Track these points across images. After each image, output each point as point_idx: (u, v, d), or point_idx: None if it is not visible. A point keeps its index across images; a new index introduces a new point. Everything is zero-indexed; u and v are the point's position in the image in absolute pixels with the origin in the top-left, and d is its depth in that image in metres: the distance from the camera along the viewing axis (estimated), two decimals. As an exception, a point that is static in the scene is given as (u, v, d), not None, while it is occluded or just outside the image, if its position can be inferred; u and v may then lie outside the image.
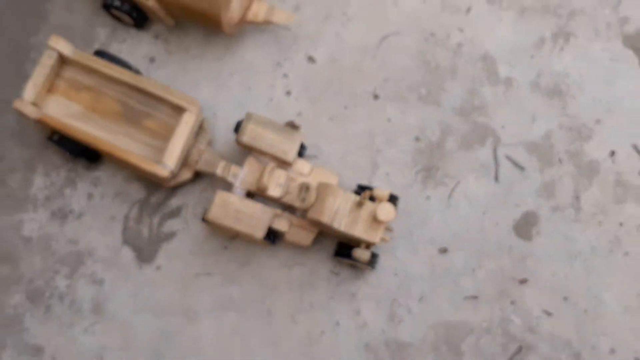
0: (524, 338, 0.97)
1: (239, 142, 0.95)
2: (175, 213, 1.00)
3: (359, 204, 0.90)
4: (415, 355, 0.96)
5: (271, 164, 0.94)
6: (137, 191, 1.01)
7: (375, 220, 0.90)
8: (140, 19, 1.02)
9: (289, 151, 0.94)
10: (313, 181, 0.95)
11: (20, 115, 0.94)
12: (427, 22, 1.05)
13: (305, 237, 0.95)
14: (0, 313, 0.98)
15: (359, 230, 0.91)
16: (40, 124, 0.96)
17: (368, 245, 0.93)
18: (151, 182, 1.00)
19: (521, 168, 1.01)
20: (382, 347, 0.97)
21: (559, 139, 1.02)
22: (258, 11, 0.98)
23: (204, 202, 1.00)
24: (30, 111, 0.94)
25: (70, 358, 0.97)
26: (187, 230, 1.00)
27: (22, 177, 1.02)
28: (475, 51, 1.04)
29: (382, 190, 0.93)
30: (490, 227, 1.00)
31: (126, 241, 1.00)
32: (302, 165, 0.97)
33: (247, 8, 0.97)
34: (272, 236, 0.95)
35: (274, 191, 0.94)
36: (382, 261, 0.98)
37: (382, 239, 0.93)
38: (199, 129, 0.97)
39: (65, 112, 0.97)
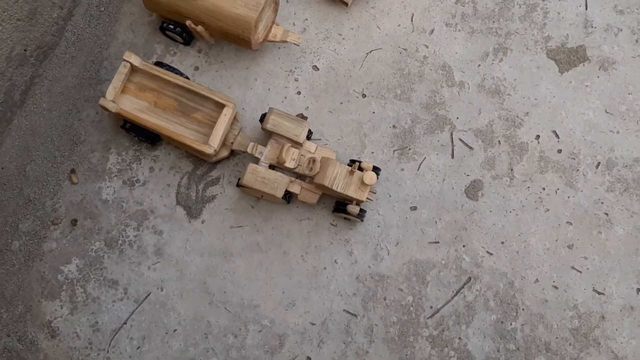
0: (472, 271, 1.27)
1: (263, 129, 1.24)
2: (215, 181, 1.31)
3: (351, 172, 1.20)
4: (393, 284, 1.27)
5: (287, 144, 1.23)
6: (186, 165, 1.31)
7: (362, 183, 1.20)
8: (188, 38, 1.32)
9: (300, 135, 1.23)
10: (318, 156, 1.25)
11: (104, 109, 1.24)
12: (401, 40, 1.36)
13: (312, 197, 1.25)
14: (86, 255, 1.28)
15: (351, 191, 1.20)
16: (117, 116, 1.26)
17: (358, 203, 1.22)
18: (198, 158, 1.30)
19: (470, 148, 1.32)
20: (369, 278, 1.27)
21: (498, 126, 1.32)
22: (276, 33, 1.29)
23: (236, 174, 1.30)
24: (111, 106, 1.23)
25: (139, 288, 1.27)
26: (224, 194, 1.30)
27: (101, 156, 1.31)
28: (437, 61, 1.35)
29: (367, 162, 1.22)
30: (448, 190, 1.29)
31: (179, 202, 1.30)
32: (309, 145, 1.26)
33: (268, 31, 1.29)
34: (288, 196, 1.25)
35: (289, 164, 1.23)
36: (369, 216, 1.28)
37: (368, 198, 1.22)
38: (234, 119, 1.27)
39: (135, 107, 1.27)
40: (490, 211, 1.29)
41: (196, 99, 1.27)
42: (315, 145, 1.26)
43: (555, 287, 1.26)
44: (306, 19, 1.36)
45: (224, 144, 1.26)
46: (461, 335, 1.25)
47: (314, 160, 1.22)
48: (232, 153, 1.30)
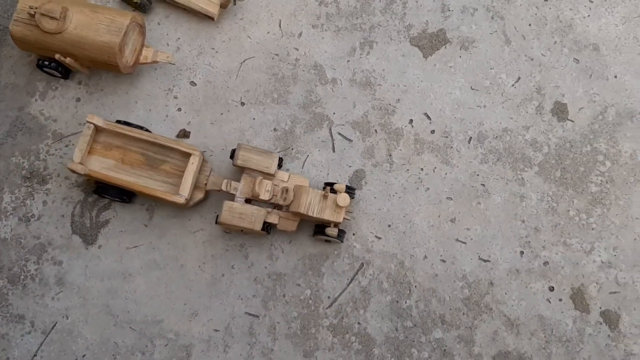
0: (364, 257, 1.31)
1: (234, 165, 1.25)
2: (107, 206, 1.34)
3: (324, 196, 1.22)
4: (290, 281, 1.31)
5: (259, 177, 1.24)
6: (77, 195, 1.34)
7: (337, 206, 1.22)
8: (65, 72, 1.35)
9: (270, 166, 1.25)
10: (290, 185, 1.26)
11: (73, 172, 1.24)
12: (272, 46, 1.41)
13: (291, 224, 1.26)
14: (-11, 295, 1.32)
15: (327, 215, 1.22)
16: (86, 177, 1.26)
17: (336, 225, 1.24)
18: (88, 186, 1.34)
19: (349, 140, 1.37)
20: (266, 278, 1.31)
21: (373, 116, 1.37)
22: (147, 55, 1.33)
23: (128, 195, 1.35)
24: (80, 169, 1.23)
25: (45, 319, 1.29)
26: (117, 217, 1.33)
27: (-6, 196, 1.36)
28: (308, 62, 1.40)
29: (340, 184, 1.25)
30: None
31: (74, 231, 1.33)
32: (282, 175, 1.28)
33: (138, 54, 1.33)
34: (267, 227, 1.26)
35: (264, 196, 1.24)
36: (259, 218, 1.33)
37: (345, 218, 1.24)
38: (202, 162, 1.27)
39: (103, 166, 1.28)
40: (375, 197, 1.34)
41: (162, 151, 1.29)
42: (288, 174, 1.29)
43: (443, 261, 1.31)
44: (179, 38, 1.41)
45: (196, 186, 1.28)
46: (360, 320, 1.29)
47: (286, 190, 1.24)
48: (207, 193, 1.31)
